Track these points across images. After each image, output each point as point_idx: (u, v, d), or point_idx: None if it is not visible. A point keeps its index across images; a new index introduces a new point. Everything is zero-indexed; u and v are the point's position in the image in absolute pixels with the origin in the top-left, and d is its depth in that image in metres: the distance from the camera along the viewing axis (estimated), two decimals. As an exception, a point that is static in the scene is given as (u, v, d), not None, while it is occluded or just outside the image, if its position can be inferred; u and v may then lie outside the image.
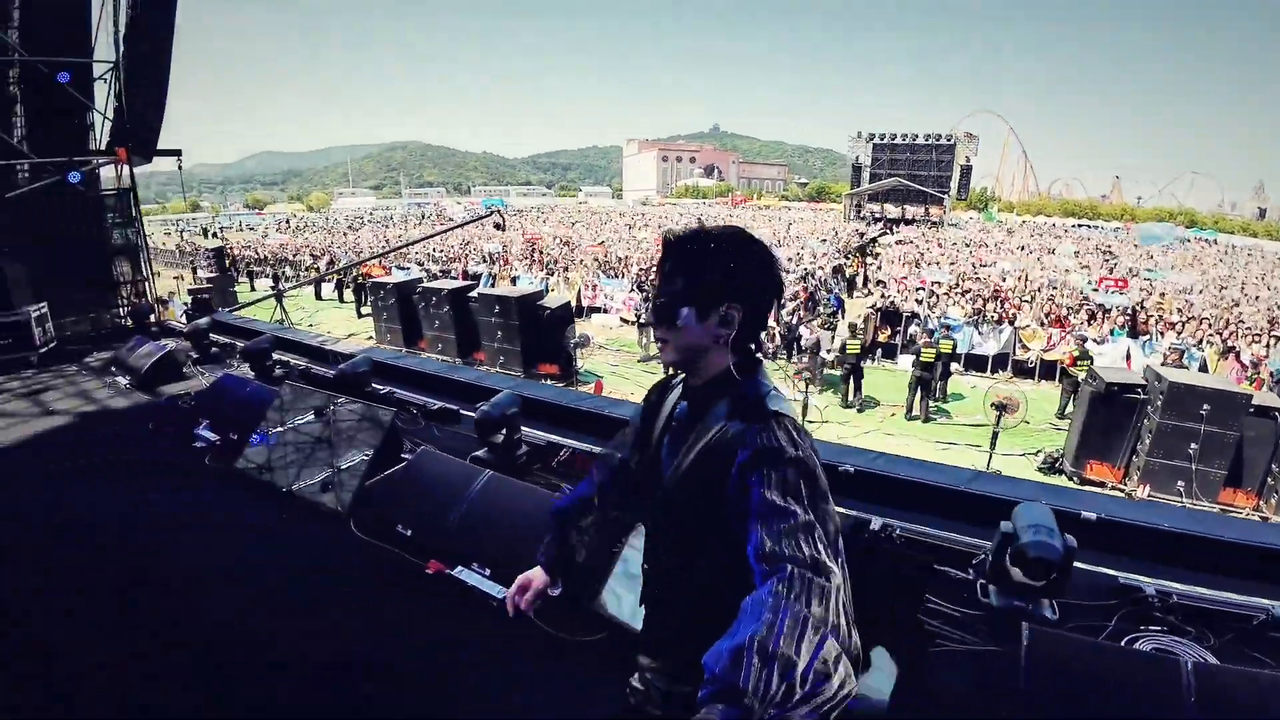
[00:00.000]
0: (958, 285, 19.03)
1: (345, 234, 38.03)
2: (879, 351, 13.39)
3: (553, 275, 19.23)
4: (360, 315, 17.60)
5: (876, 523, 3.35)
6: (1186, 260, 32.52)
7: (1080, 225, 57.47)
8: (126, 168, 10.46)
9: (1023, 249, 33.41)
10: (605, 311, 17.36)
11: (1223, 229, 59.20)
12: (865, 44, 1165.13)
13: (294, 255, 25.08)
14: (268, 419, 4.69)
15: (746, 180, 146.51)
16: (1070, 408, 9.71)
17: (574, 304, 14.85)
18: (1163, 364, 9.43)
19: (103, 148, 10.55)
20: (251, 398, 5.27)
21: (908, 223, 46.18)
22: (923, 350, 10.35)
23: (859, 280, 22.38)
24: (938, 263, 24.54)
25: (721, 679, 0.80)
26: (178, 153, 10.31)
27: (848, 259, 26.28)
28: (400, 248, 22.42)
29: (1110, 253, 33.03)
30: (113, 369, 7.56)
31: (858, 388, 10.91)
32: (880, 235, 37.84)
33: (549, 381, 11.31)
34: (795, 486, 1.00)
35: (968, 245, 33.49)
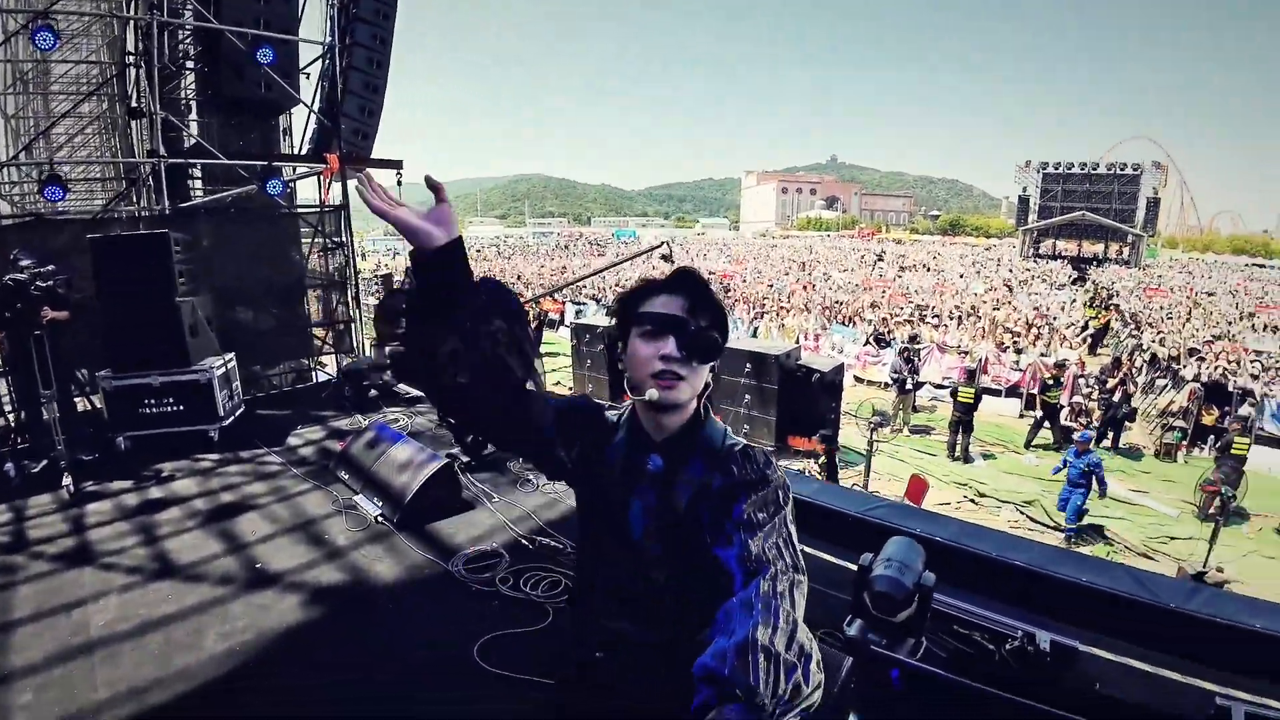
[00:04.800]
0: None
1: (496, 261, 36.75)
2: (1210, 439, 10.06)
3: (760, 319, 16.03)
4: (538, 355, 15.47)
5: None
6: None
7: (1257, 264, 50.10)
8: (332, 180, 8.29)
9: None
10: (834, 369, 13.93)
11: None
12: (990, 68, 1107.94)
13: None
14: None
15: (869, 213, 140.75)
16: None
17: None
18: None
19: (303, 153, 8.48)
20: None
21: (1099, 262, 41.14)
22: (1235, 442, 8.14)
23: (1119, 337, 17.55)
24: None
25: (733, 680, 0.80)
26: (399, 163, 7.91)
27: (1095, 310, 21.46)
28: (577, 280, 20.02)
29: None
30: (349, 486, 4.92)
31: None
32: (1076, 278, 32.45)
33: (805, 467, 8.42)
34: (774, 503, 1.07)
35: (1233, 294, 27.26)
